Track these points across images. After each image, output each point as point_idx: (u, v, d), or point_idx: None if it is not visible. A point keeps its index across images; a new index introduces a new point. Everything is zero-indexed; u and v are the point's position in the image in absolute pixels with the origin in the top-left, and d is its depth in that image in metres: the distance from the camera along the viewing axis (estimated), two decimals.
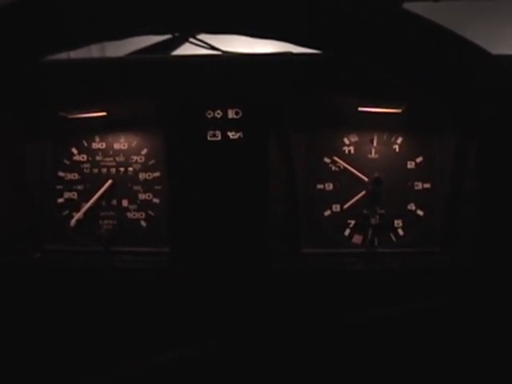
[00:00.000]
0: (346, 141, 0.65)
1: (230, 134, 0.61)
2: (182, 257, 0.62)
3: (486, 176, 0.53)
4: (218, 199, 0.61)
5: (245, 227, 0.61)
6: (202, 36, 0.71)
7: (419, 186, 0.66)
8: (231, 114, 0.61)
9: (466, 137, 0.60)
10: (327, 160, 0.65)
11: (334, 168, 0.65)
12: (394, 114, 0.62)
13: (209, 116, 0.61)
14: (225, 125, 0.61)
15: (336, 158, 0.65)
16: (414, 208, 0.66)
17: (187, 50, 0.75)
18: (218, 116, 0.61)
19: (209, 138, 0.61)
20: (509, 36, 1.00)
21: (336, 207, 0.66)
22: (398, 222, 0.66)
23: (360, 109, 0.62)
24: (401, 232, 0.66)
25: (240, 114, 0.61)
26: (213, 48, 0.70)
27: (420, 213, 0.66)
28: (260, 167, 0.61)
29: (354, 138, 0.65)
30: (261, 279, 0.61)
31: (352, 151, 0.65)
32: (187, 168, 0.61)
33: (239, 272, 0.61)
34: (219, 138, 0.61)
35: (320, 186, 0.66)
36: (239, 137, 0.61)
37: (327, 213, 0.66)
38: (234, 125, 0.61)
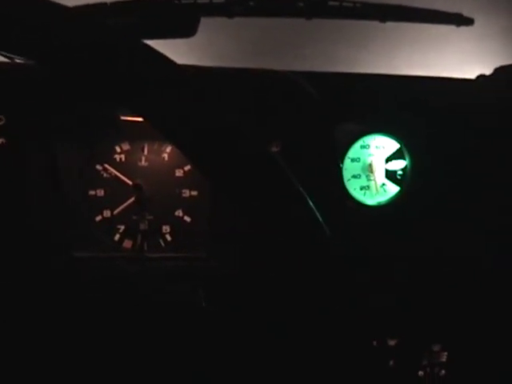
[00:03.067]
0: (118, 149, 0.68)
1: None
2: None
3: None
4: None
5: (5, 235, 0.63)
6: None
7: (187, 193, 0.68)
8: None
9: None
10: (99, 167, 0.68)
11: (105, 175, 0.68)
12: None
13: None
14: None
15: (107, 166, 0.67)
16: (181, 214, 0.68)
17: None
18: None
19: None
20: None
21: (107, 213, 0.68)
22: (166, 228, 0.68)
23: (123, 118, 0.65)
24: (169, 237, 0.68)
25: (3, 121, 0.63)
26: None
27: (187, 219, 0.68)
28: (21, 174, 0.63)
29: (126, 147, 0.68)
30: (31, 282, 0.63)
31: (123, 159, 0.68)
32: None
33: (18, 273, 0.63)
34: None
35: (92, 192, 0.68)
36: (2, 143, 0.63)
37: (98, 218, 0.68)
38: None
